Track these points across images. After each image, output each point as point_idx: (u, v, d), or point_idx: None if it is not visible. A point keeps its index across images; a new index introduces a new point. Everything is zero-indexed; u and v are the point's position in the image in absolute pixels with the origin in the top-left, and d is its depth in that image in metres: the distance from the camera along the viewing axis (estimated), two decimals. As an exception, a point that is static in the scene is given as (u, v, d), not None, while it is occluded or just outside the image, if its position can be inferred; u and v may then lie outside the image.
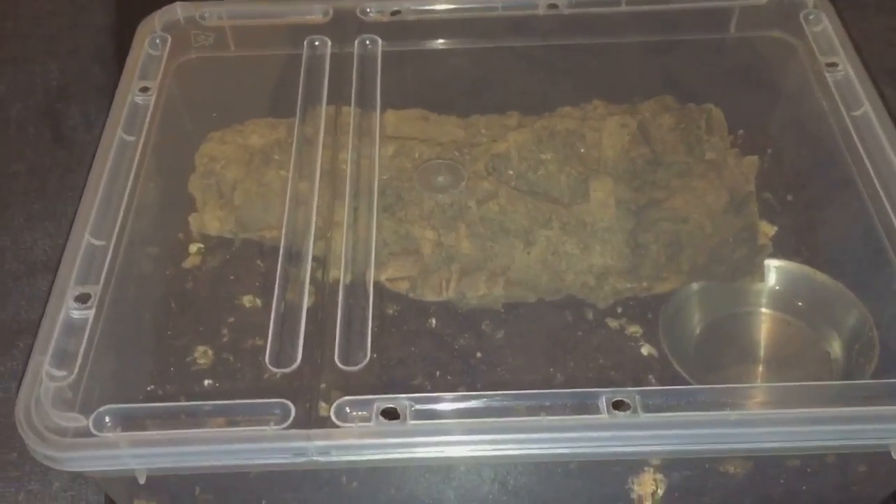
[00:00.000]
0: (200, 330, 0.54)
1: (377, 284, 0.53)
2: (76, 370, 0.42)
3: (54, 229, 0.66)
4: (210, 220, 0.58)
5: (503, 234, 0.54)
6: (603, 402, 0.39)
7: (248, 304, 0.56)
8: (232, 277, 0.57)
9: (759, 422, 0.39)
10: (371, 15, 0.61)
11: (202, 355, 0.53)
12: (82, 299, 0.45)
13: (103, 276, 0.46)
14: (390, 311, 0.54)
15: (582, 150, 0.57)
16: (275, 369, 0.43)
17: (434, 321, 0.53)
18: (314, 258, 0.50)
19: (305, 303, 0.46)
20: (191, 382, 0.52)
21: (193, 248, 0.59)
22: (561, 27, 0.62)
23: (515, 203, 0.54)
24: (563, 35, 0.62)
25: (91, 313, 0.44)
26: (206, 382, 0.52)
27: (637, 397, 0.39)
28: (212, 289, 0.56)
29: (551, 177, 0.56)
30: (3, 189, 0.69)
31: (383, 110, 0.59)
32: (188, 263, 0.58)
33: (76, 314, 0.44)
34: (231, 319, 0.55)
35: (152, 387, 0.51)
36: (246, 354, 0.53)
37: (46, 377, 0.41)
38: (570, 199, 0.55)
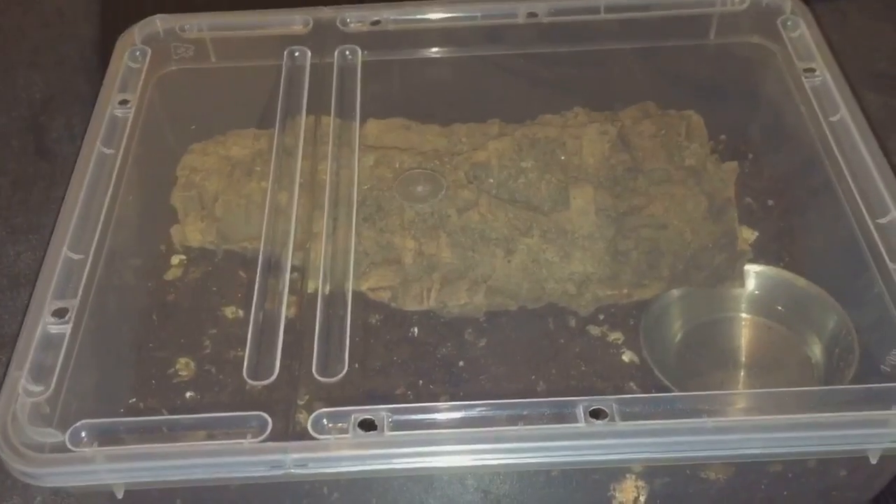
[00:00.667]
0: (182, 342, 0.54)
1: (359, 294, 0.53)
2: (53, 385, 0.42)
3: (38, 242, 0.66)
4: (192, 232, 0.58)
5: (484, 242, 0.54)
6: (580, 411, 0.39)
7: (230, 316, 0.55)
8: (214, 289, 0.57)
9: (736, 429, 0.39)
10: (351, 25, 0.61)
11: (184, 367, 0.53)
12: (60, 314, 0.45)
13: (81, 290, 0.46)
14: (372, 321, 0.54)
15: (562, 158, 0.57)
16: (253, 382, 0.43)
17: (416, 330, 0.53)
18: (294, 269, 0.50)
19: (283, 315, 0.46)
20: (173, 395, 0.51)
21: (175, 259, 0.58)
22: (541, 36, 0.62)
23: (496, 211, 0.54)
24: (543, 43, 0.62)
25: (69, 328, 0.44)
26: (188, 395, 0.51)
27: (615, 405, 0.39)
28: (194, 300, 0.56)
29: (532, 185, 0.56)
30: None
31: (364, 120, 0.59)
32: (170, 275, 0.58)
33: (53, 329, 0.44)
34: (213, 331, 0.55)
35: (134, 399, 0.51)
36: (228, 366, 0.53)
37: (23, 392, 0.41)
38: (550, 207, 0.55)
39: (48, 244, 0.49)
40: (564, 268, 0.53)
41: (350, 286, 0.47)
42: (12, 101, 0.77)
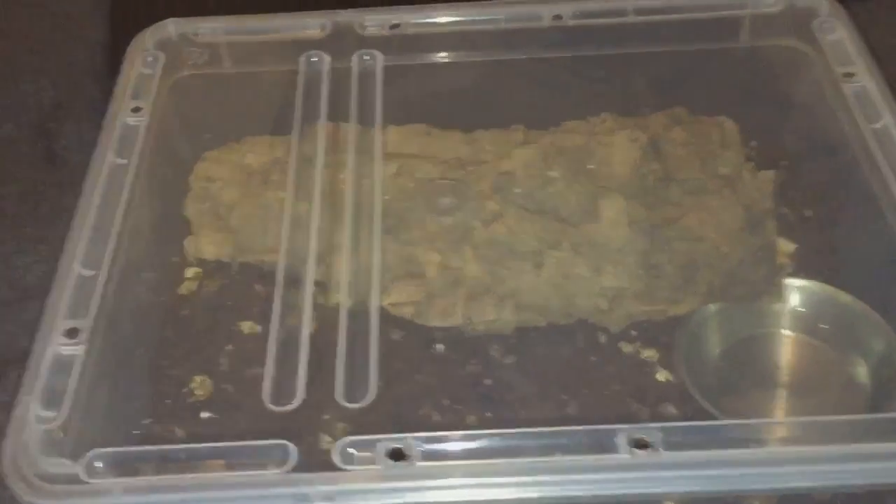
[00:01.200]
0: (198, 359, 0.52)
1: (380, 310, 0.51)
2: (66, 410, 0.40)
3: (48, 253, 0.64)
4: (206, 244, 0.56)
5: (511, 256, 0.52)
6: (622, 440, 0.37)
7: (247, 331, 0.54)
8: (230, 303, 0.55)
9: (787, 461, 0.37)
10: (370, 29, 0.59)
11: (200, 386, 0.51)
12: (71, 334, 0.43)
13: (94, 308, 0.44)
14: (395, 338, 0.52)
15: (591, 167, 0.55)
16: (274, 407, 0.41)
17: (440, 347, 0.51)
18: (315, 284, 0.48)
19: (305, 335, 0.44)
20: (189, 415, 0.50)
21: (189, 272, 0.57)
22: (566, 39, 0.60)
23: (523, 223, 0.52)
24: (568, 47, 0.60)
25: (81, 349, 0.42)
26: (205, 415, 0.50)
27: (658, 434, 0.37)
28: (209, 315, 0.54)
29: (560, 195, 0.54)
30: (-4, 215, 0.67)
31: (384, 126, 0.57)
32: (184, 289, 0.56)
33: (65, 350, 0.42)
34: (229, 347, 0.53)
35: (149, 420, 0.49)
36: (246, 385, 0.51)
37: (34, 419, 0.39)
38: (579, 219, 0.53)
39: (59, 260, 0.47)
40: (596, 282, 0.51)
41: (376, 305, 0.45)
42: (20, 106, 0.75)
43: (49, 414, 0.40)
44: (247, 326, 0.54)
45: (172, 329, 0.54)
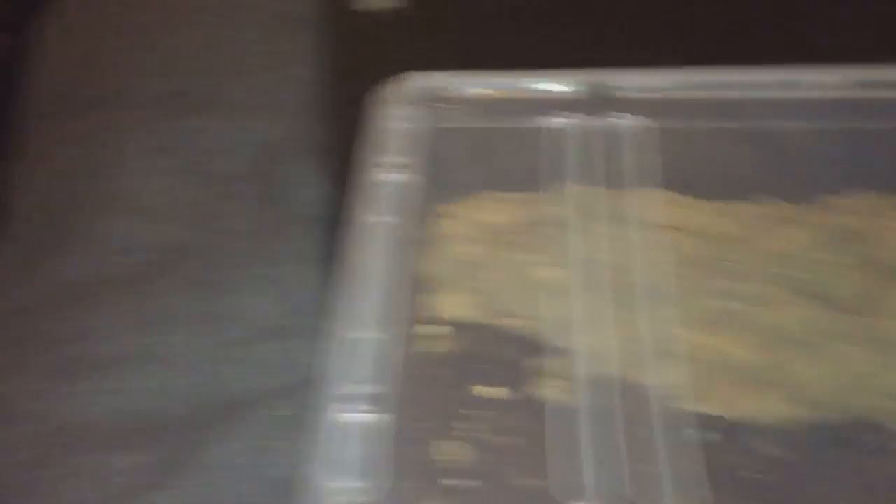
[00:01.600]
0: (443, 423, 0.51)
1: (637, 389, 0.49)
2: (375, 484, 0.39)
3: (273, 295, 0.65)
4: (452, 304, 0.55)
5: (784, 344, 0.49)
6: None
7: (493, 396, 0.52)
8: (476, 366, 0.54)
9: None
10: (623, 90, 0.57)
11: (452, 453, 0.50)
12: (358, 400, 0.42)
13: (383, 374, 0.44)
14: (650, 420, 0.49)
15: (867, 251, 0.51)
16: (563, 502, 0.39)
17: (699, 434, 0.49)
18: (573, 358, 0.46)
19: (584, 420, 0.43)
20: (444, 485, 0.48)
21: (431, 331, 0.56)
22: (827, 109, 0.57)
23: (798, 310, 0.49)
24: (826, 117, 0.57)
25: (375, 416, 0.42)
26: (461, 484, 0.48)
27: None
28: (456, 378, 0.53)
29: (838, 281, 0.50)
30: (220, 253, 0.68)
31: (634, 191, 0.56)
32: (426, 347, 0.55)
33: (355, 417, 0.42)
34: (478, 412, 0.51)
35: (405, 485, 0.48)
36: (496, 454, 0.49)
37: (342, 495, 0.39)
38: (860, 308, 0.49)
39: (335, 326, 0.47)
40: (881, 379, 0.47)
41: (683, 408, 0.43)
42: (235, 145, 0.76)
43: (359, 485, 0.39)
44: (492, 392, 0.53)
45: (416, 388, 0.53)
